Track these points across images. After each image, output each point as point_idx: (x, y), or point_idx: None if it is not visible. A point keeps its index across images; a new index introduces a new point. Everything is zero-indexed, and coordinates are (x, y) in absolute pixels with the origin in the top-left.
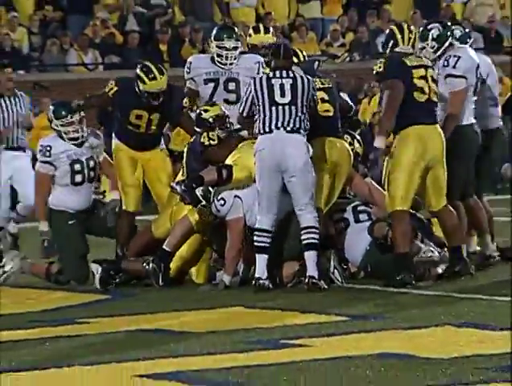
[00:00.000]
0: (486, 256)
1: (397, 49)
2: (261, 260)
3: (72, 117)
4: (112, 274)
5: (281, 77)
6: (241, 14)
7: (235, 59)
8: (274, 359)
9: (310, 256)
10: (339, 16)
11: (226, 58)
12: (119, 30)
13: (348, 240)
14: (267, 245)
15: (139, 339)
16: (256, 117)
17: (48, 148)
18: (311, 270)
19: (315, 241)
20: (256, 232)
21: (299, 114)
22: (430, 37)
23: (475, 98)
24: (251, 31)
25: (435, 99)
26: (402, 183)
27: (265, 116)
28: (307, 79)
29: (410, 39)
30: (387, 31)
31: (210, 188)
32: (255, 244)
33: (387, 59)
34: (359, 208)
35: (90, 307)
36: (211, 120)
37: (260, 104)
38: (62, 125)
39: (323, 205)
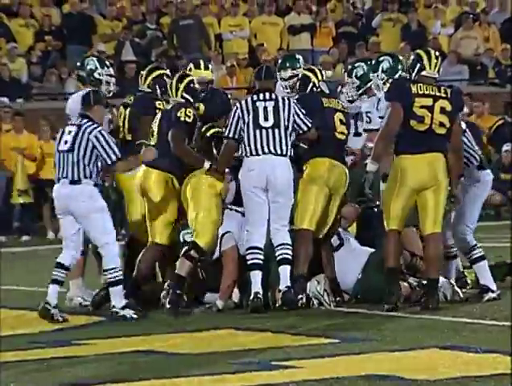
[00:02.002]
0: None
1: (423, 73)
2: (256, 276)
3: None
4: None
5: (264, 100)
6: (234, 45)
7: (291, 88)
8: (264, 380)
9: (284, 270)
10: (329, 48)
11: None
12: (116, 60)
13: (337, 270)
14: (260, 262)
15: (133, 360)
16: (243, 139)
17: None
18: (285, 282)
19: (289, 256)
20: (248, 251)
21: (282, 137)
22: (380, 69)
23: None
24: (191, 66)
25: (438, 131)
26: (389, 206)
27: (249, 139)
28: (289, 100)
29: (436, 64)
30: (412, 56)
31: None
32: (248, 262)
33: (393, 81)
34: None
35: (86, 329)
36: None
37: (245, 127)
38: (108, 75)
39: (313, 226)
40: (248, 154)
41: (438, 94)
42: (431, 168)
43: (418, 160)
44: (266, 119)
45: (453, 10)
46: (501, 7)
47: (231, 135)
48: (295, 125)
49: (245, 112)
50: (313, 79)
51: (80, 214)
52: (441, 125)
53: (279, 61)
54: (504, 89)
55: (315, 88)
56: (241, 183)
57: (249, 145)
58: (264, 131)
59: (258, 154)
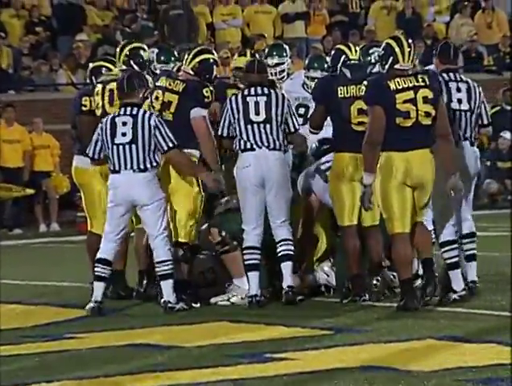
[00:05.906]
0: None
1: (397, 66)
2: (253, 277)
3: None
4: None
5: (256, 94)
6: (227, 34)
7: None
8: (259, 372)
9: (286, 267)
10: (323, 36)
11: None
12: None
13: None
14: (257, 262)
15: (127, 354)
16: (235, 135)
17: None
18: (289, 281)
19: (291, 252)
20: (245, 251)
21: (274, 131)
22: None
23: None
24: (236, 56)
25: (425, 122)
26: (389, 207)
27: (241, 134)
28: (282, 95)
29: (410, 54)
30: (383, 45)
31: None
32: (245, 262)
33: (369, 83)
34: None
35: (79, 322)
36: None
37: (236, 122)
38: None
39: (355, 220)
40: (242, 149)
41: (417, 84)
42: (422, 167)
43: (408, 157)
44: (257, 114)
45: None
46: None
47: (221, 133)
48: (284, 123)
49: (234, 108)
50: (347, 53)
51: (143, 203)
52: (427, 115)
53: (267, 49)
54: (501, 77)
55: (347, 62)
56: (237, 180)
57: (242, 139)
58: (256, 126)
59: (252, 149)
